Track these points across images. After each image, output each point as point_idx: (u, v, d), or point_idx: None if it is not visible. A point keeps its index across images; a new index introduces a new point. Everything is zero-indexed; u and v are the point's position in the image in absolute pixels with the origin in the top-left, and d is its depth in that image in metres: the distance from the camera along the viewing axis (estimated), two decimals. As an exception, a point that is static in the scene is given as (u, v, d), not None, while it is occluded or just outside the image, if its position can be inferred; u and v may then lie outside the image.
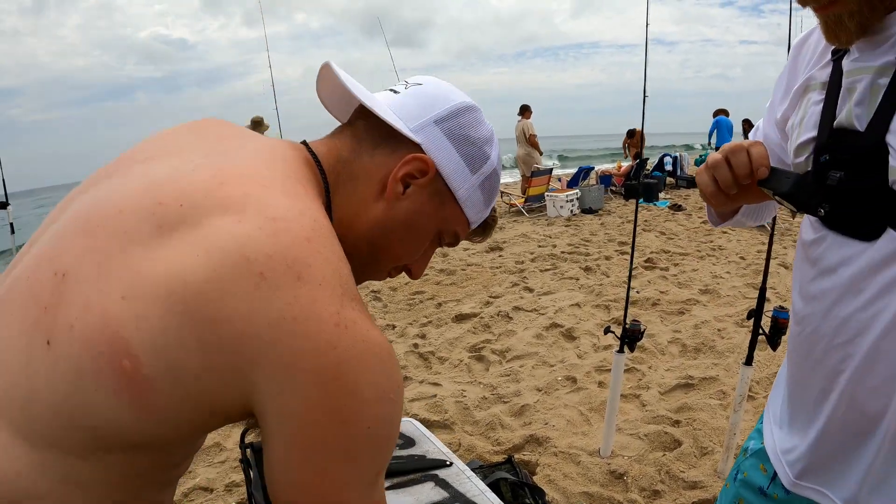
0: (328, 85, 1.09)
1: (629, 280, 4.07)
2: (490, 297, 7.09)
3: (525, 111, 14.68)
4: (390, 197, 1.00)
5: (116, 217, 0.81)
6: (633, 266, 8.03)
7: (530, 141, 14.47)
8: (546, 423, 4.21)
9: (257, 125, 12.77)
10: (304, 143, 1.06)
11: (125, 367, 0.74)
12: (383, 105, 1.02)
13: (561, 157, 48.68)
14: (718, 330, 5.74)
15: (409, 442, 2.18)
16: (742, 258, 8.46)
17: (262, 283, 0.74)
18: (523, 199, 13.58)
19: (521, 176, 15.36)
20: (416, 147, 1.00)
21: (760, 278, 7.23)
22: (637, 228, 10.52)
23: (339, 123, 1.12)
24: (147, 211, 0.81)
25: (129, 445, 0.80)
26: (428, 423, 4.21)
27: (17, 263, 0.87)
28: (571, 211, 12.81)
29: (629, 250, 8.93)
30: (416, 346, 5.69)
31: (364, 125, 1.04)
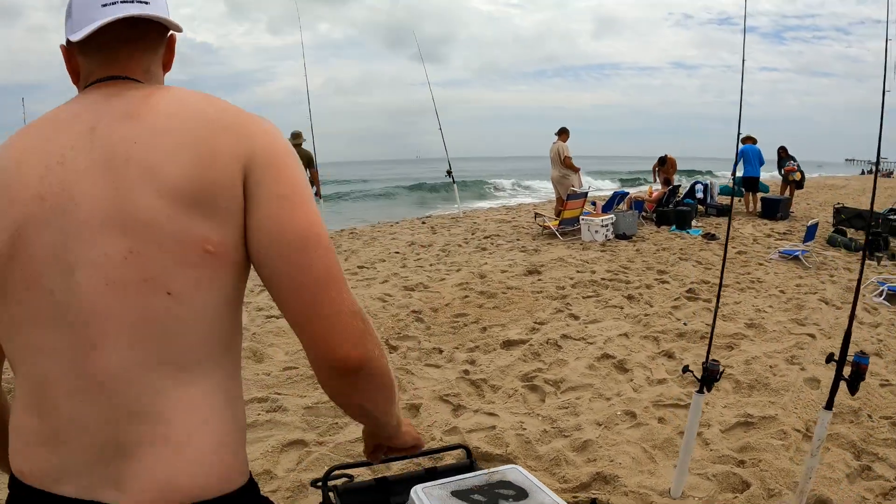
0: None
1: (714, 318, 3.97)
2: (535, 322, 7.05)
3: (562, 133, 14.64)
4: None
5: None
6: (676, 297, 8.06)
7: (565, 163, 14.42)
8: (612, 461, 4.16)
9: (296, 137, 13.48)
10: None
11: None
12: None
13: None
14: (770, 367, 5.68)
15: (521, 493, 2.09)
16: (782, 292, 8.41)
17: None
18: (557, 222, 13.49)
19: (556, 198, 15.22)
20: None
21: (803, 314, 7.27)
22: (673, 257, 10.57)
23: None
24: None
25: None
26: (489, 457, 4.19)
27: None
28: (606, 236, 12.72)
29: (669, 279, 9.01)
30: (466, 372, 5.65)
31: None
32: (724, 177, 29.86)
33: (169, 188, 1.12)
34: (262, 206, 1.17)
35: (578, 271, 9.71)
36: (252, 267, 1.22)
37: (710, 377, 3.65)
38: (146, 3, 1.26)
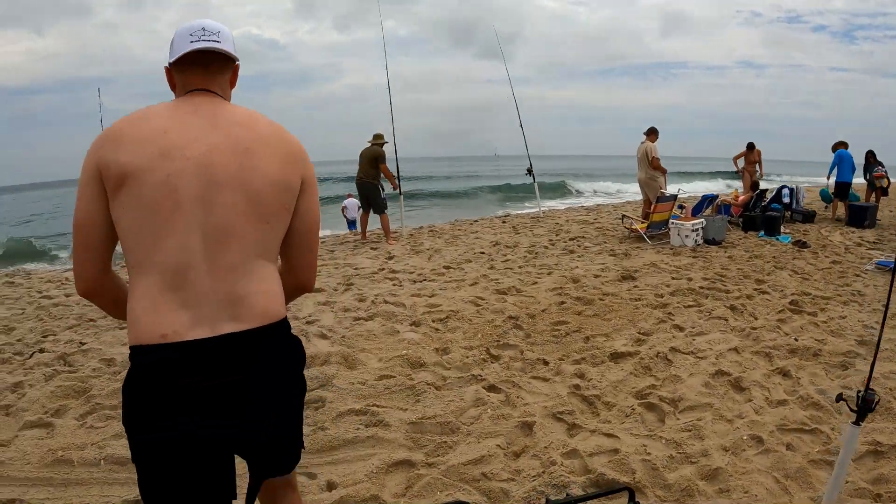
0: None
1: (878, 345, 3.55)
2: (640, 333, 6.64)
3: (651, 133, 14.17)
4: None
5: None
6: (780, 309, 7.58)
7: (653, 164, 13.93)
8: (746, 492, 3.76)
9: (378, 139, 13.81)
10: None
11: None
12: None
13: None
14: (890, 389, 5.18)
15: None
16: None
17: None
18: (645, 225, 13.02)
19: (643, 200, 14.75)
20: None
21: (915, 333, 6.74)
22: (767, 265, 10.06)
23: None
24: None
25: None
26: (616, 484, 3.79)
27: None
28: (696, 241, 12.22)
29: (768, 289, 8.52)
30: (577, 387, 5.27)
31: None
32: (788, 181, 28.99)
33: (270, 177, 2.05)
34: (304, 199, 2.18)
35: (674, 278, 9.25)
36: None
37: (867, 407, 3.23)
38: (218, 41, 2.13)
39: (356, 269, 10.58)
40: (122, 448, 4.07)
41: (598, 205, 24.54)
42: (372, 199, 14.04)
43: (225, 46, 2.14)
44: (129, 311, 1.98)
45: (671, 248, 11.92)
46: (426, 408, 4.84)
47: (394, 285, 9.16)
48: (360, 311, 7.60)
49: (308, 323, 7.21)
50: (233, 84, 2.31)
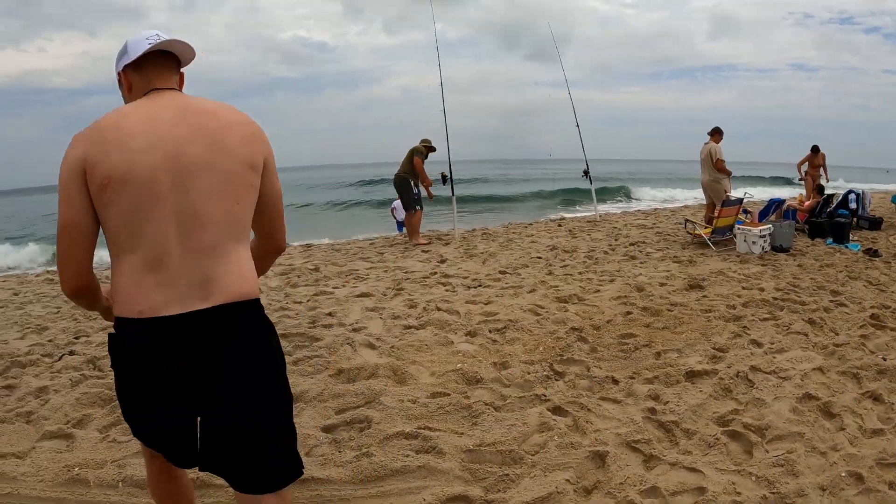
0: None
1: None
2: (715, 349, 6.07)
3: (715, 133, 13.56)
4: None
5: None
6: (861, 324, 6.95)
7: (717, 166, 13.29)
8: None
9: (425, 142, 13.82)
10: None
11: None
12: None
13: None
14: None
15: None
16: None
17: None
18: (709, 230, 12.39)
19: (707, 204, 14.13)
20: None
21: None
22: (840, 275, 9.41)
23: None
24: None
25: None
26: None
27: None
28: (763, 248, 11.57)
29: (845, 301, 7.85)
30: (652, 411, 4.71)
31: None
32: (854, 186, 28.17)
33: (237, 158, 2.27)
34: (268, 175, 2.41)
35: (745, 288, 8.64)
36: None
37: None
38: (169, 39, 2.37)
39: (406, 272, 10.14)
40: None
41: (655, 209, 23.90)
42: (402, 195, 13.77)
43: (176, 50, 2.44)
44: (114, 289, 2.26)
45: (738, 256, 11.30)
46: (485, 432, 4.33)
47: (447, 291, 8.68)
48: (411, 318, 7.14)
49: (354, 330, 6.76)
50: (182, 84, 2.53)
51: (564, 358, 5.84)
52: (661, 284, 8.76)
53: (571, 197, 32.18)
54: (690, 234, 12.96)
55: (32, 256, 18.38)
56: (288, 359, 5.78)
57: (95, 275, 2.34)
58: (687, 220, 13.63)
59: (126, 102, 2.41)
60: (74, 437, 4.42)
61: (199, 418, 2.31)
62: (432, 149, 13.85)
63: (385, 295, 8.42)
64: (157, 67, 2.38)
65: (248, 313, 2.30)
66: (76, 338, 6.86)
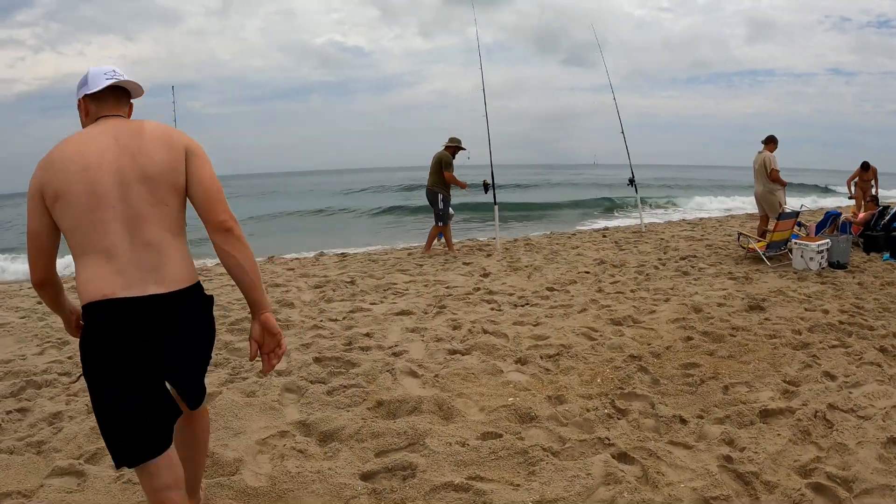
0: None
1: None
2: (786, 382, 5.51)
3: (770, 142, 12.92)
4: None
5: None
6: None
7: (772, 176, 12.66)
8: None
9: (453, 141, 13.37)
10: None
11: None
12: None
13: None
14: None
15: None
16: None
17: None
18: (764, 244, 11.78)
19: (760, 216, 13.51)
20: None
21: None
22: (901, 295, 8.78)
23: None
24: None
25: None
26: None
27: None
28: (820, 264, 10.94)
29: (917, 327, 7.27)
30: (728, 459, 4.17)
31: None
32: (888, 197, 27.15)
33: (160, 167, 2.70)
34: (193, 167, 2.79)
35: (807, 309, 8.05)
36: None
37: None
38: (123, 77, 2.90)
39: (448, 287, 9.68)
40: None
41: (701, 218, 23.19)
42: (433, 207, 13.39)
43: (129, 87, 2.97)
44: (78, 283, 2.68)
45: (794, 272, 10.67)
46: (544, 485, 3.83)
47: (492, 309, 8.19)
48: (455, 341, 6.66)
49: (394, 355, 6.30)
50: (129, 115, 3.01)
51: (625, 391, 5.32)
52: (720, 305, 8.21)
53: (613, 204, 31.58)
54: (744, 248, 12.34)
55: (66, 264, 18.08)
56: (322, 387, 5.42)
57: (58, 277, 2.92)
58: (740, 234, 12.96)
59: (82, 124, 2.95)
60: (86, 476, 4.03)
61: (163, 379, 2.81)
62: (460, 148, 13.42)
63: (426, 313, 7.96)
64: (110, 99, 2.91)
65: (194, 296, 2.85)
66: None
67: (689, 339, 6.71)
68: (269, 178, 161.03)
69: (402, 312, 8.00)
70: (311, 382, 5.56)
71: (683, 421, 4.77)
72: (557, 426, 4.67)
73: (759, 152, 12.95)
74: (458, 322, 7.47)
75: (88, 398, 5.13)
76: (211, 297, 2.99)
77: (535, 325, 7.30)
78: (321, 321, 7.69)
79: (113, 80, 2.87)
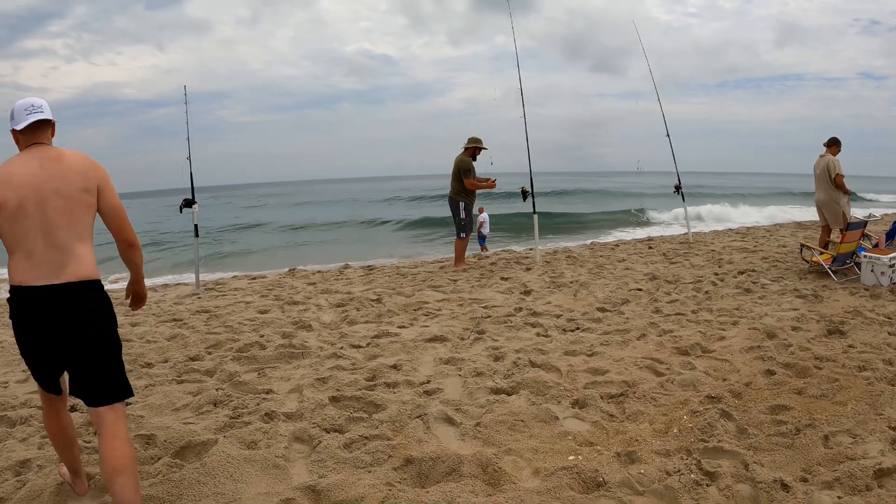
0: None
1: None
2: (892, 428, 4.51)
3: (833, 144, 11.83)
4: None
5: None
6: None
7: (837, 181, 11.57)
8: None
9: (472, 142, 12.69)
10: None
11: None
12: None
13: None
14: None
15: None
16: None
17: None
18: (829, 257, 10.71)
19: (822, 227, 12.42)
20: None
21: None
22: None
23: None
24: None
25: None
26: None
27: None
28: (892, 279, 9.87)
29: None
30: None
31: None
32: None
33: (75, 186, 3.42)
34: (104, 194, 3.54)
35: (891, 333, 7.01)
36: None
37: None
38: (42, 112, 3.52)
39: (486, 307, 8.70)
40: None
41: (749, 227, 22.03)
42: (454, 218, 12.58)
43: (47, 115, 3.57)
44: (8, 270, 3.43)
45: (865, 289, 9.59)
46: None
47: (538, 335, 7.20)
48: (499, 376, 5.69)
49: (426, 393, 5.38)
50: (53, 134, 3.69)
51: (709, 445, 4.32)
52: (794, 329, 7.19)
53: (655, 211, 30.54)
54: (807, 261, 11.26)
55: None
56: (339, 439, 4.49)
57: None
58: (803, 246, 11.84)
59: (19, 149, 3.59)
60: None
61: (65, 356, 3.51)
62: (480, 148, 12.59)
63: (463, 339, 7.00)
64: (34, 129, 3.55)
65: (87, 288, 3.49)
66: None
67: (771, 372, 5.71)
68: (299, 185, 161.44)
69: (435, 338, 7.05)
70: (326, 431, 4.63)
71: (786, 487, 3.77)
72: (633, 496, 3.71)
73: (821, 156, 11.90)
74: (501, 351, 6.49)
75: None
76: (108, 297, 3.67)
77: (589, 356, 6.31)
78: (341, 348, 6.78)
79: (32, 118, 3.51)
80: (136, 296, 4.09)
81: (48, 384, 3.64)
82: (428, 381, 5.63)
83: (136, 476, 3.45)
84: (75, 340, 3.43)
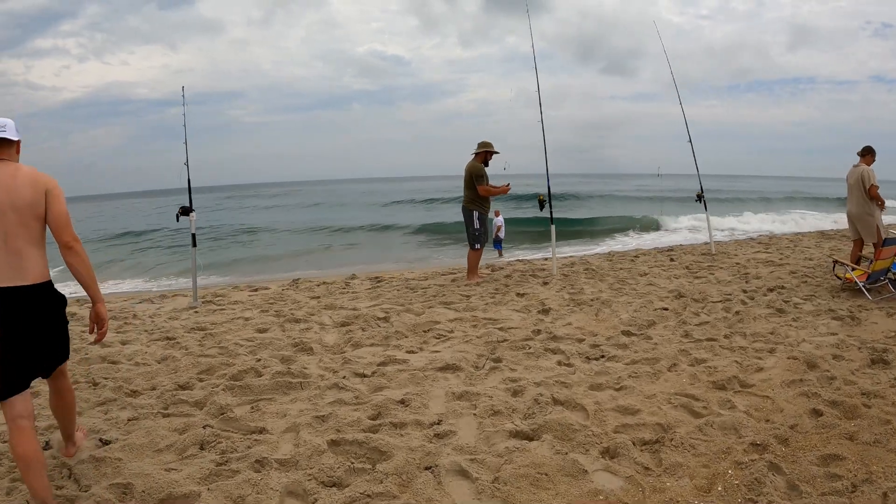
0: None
1: None
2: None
3: (867, 154, 11.23)
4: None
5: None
6: None
7: (871, 192, 10.94)
8: None
9: (483, 146, 12.17)
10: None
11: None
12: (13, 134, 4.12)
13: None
14: None
15: None
16: None
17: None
18: (861, 273, 10.10)
19: (854, 240, 11.79)
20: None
21: None
22: None
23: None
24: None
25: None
26: None
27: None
28: (930, 298, 9.30)
29: None
30: None
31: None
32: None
33: (25, 200, 3.89)
34: (52, 205, 4.00)
35: (941, 361, 6.44)
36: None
37: None
38: (4, 131, 4.02)
39: (502, 329, 8.09)
40: None
41: (771, 237, 21.34)
42: (467, 228, 12.01)
43: (9, 135, 4.04)
44: None
45: (905, 309, 8.96)
46: None
47: (560, 364, 6.59)
48: (518, 416, 5.11)
49: (438, 437, 4.81)
50: (18, 151, 4.19)
51: (758, 505, 3.78)
52: (836, 357, 6.60)
53: (674, 216, 29.91)
54: (839, 277, 10.65)
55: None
56: (337, 495, 3.95)
57: None
58: (836, 261, 11.18)
59: None
60: None
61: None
62: (492, 152, 12.04)
63: (477, 368, 6.42)
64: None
65: (45, 289, 4.02)
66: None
67: (817, 413, 5.14)
68: (310, 185, 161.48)
69: (447, 367, 6.46)
70: (323, 485, 4.08)
71: None
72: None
73: (855, 166, 11.30)
74: (520, 384, 5.88)
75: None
76: (63, 296, 4.22)
77: (617, 390, 5.73)
78: (344, 377, 6.21)
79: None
80: (97, 318, 4.25)
81: (21, 381, 3.96)
82: (439, 422, 5.06)
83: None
84: (35, 331, 3.99)
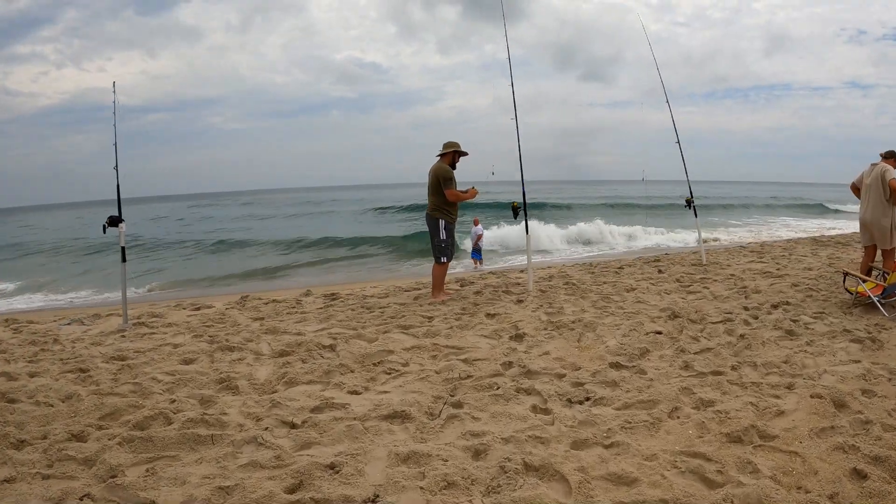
0: None
1: None
2: None
3: (891, 157, 10.22)
4: None
5: None
6: None
7: (892, 185, 9.87)
8: None
9: (449, 146, 11.07)
10: None
11: None
12: None
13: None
14: None
15: None
16: None
17: None
18: (875, 286, 9.02)
19: (865, 248, 10.69)
20: None
21: None
22: None
23: None
24: None
25: None
26: None
27: None
28: (951, 315, 8.27)
29: None
30: None
31: None
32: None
33: None
34: None
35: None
36: None
37: None
38: None
39: (466, 361, 6.80)
40: None
41: (762, 245, 20.24)
42: (432, 239, 10.86)
43: None
44: None
45: (921, 326, 7.90)
46: None
47: (534, 411, 5.31)
48: (476, 492, 3.85)
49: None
50: None
51: None
52: (865, 392, 5.52)
53: (647, 224, 29.27)
54: (850, 291, 9.54)
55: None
56: None
57: None
58: (847, 273, 10.04)
59: None
60: None
61: None
62: (459, 153, 10.95)
63: (432, 416, 5.16)
64: None
65: None
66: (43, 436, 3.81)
67: (860, 475, 4.05)
68: (289, 192, 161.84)
69: (395, 415, 5.16)
70: None
71: None
72: None
73: (873, 164, 10.25)
74: (483, 441, 4.56)
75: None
76: None
77: (607, 447, 4.48)
78: (266, 428, 4.95)
79: None
80: None
81: None
82: (375, 499, 3.83)
83: None
84: None
